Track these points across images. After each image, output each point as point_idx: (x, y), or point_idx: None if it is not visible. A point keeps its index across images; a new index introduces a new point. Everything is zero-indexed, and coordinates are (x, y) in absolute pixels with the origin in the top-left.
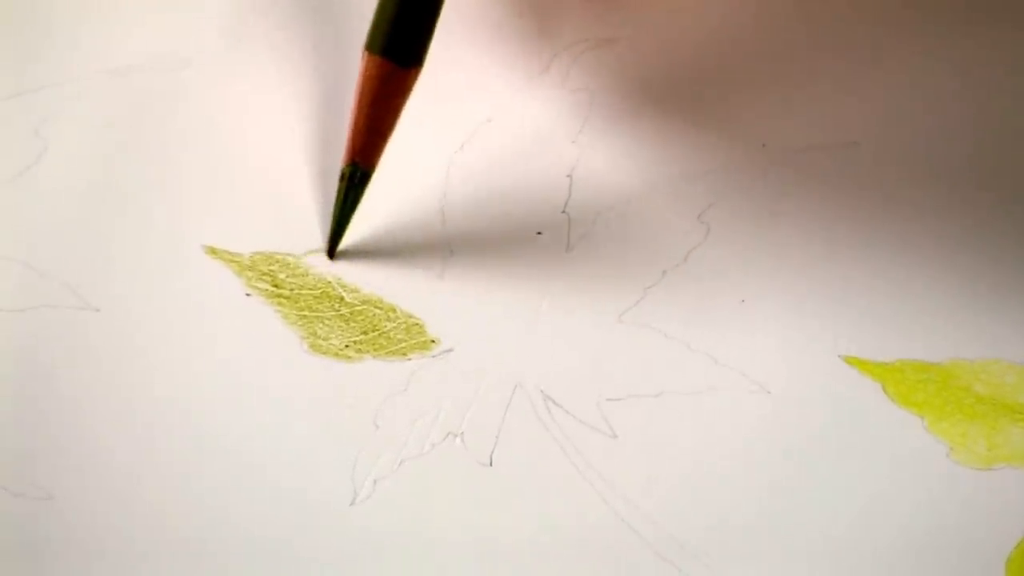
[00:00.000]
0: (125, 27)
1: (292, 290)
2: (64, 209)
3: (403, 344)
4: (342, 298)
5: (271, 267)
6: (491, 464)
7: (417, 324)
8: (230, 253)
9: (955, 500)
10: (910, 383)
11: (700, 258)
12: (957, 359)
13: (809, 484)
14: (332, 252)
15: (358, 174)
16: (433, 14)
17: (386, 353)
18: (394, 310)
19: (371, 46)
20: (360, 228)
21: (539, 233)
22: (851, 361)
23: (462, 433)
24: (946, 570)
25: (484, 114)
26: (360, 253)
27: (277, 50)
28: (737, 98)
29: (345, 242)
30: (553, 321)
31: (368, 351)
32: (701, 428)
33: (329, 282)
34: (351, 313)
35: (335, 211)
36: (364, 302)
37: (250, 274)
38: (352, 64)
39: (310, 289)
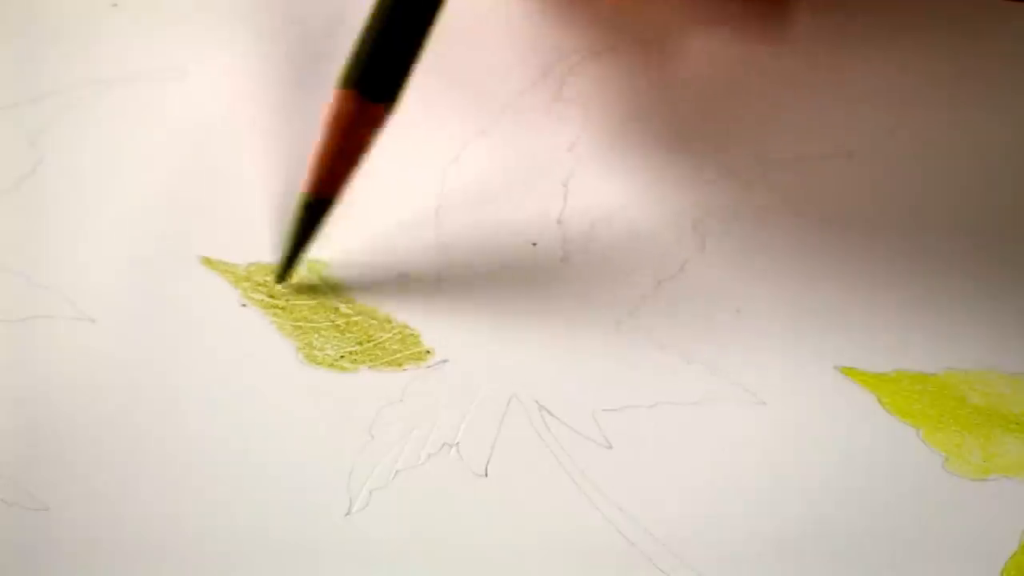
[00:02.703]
0: (121, 38)
1: (288, 301)
2: (59, 219)
3: (398, 355)
4: (337, 309)
5: (267, 278)
6: (486, 474)
7: (412, 335)
8: (226, 264)
9: (951, 510)
10: (905, 394)
11: (695, 268)
12: (952, 370)
13: (804, 495)
14: (282, 277)
15: (317, 204)
16: (410, 54)
17: (381, 364)
18: (389, 321)
19: (342, 80)
20: (355, 239)
21: (534, 243)
22: (847, 372)
23: (457, 443)
24: None
25: (479, 125)
26: (355, 264)
27: (275, 62)
28: (733, 108)
29: (341, 253)
30: (548, 331)
31: (363, 362)
32: (696, 439)
33: (325, 293)
34: (346, 324)
35: (291, 237)
36: (359, 313)
37: (246, 285)
38: None
39: (306, 300)
